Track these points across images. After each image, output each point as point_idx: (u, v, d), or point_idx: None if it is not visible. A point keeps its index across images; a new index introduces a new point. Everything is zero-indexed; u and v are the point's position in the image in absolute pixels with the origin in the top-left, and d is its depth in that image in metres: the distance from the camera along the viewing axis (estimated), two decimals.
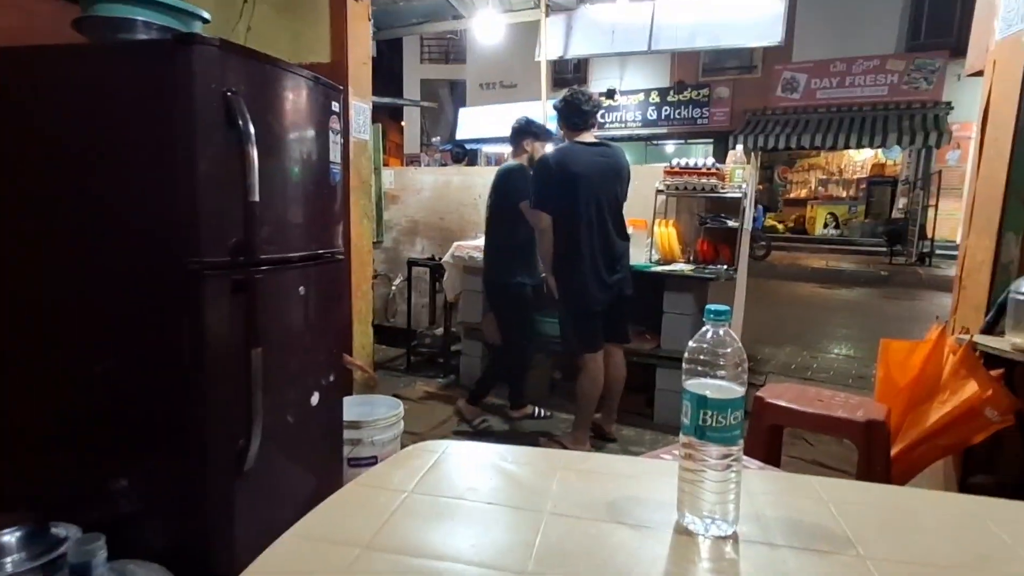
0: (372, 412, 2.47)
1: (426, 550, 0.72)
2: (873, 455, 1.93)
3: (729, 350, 0.79)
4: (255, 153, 1.33)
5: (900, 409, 2.17)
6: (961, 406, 1.95)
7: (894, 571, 0.70)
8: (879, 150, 14.33)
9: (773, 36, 4.32)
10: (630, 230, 3.06)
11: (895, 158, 14.89)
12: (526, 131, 3.22)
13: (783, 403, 2.04)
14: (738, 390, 0.78)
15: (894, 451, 2.09)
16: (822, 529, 0.81)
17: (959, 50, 11.57)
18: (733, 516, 0.79)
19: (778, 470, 1.55)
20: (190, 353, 1.34)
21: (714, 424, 0.77)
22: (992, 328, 2.05)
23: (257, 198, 1.35)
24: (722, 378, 0.79)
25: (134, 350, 1.38)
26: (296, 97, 1.55)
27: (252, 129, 1.33)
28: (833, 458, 3.02)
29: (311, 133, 1.62)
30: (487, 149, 16.41)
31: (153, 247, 1.35)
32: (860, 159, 16.24)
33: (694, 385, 0.79)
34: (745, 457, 1.58)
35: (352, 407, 2.49)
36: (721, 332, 0.79)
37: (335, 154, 1.73)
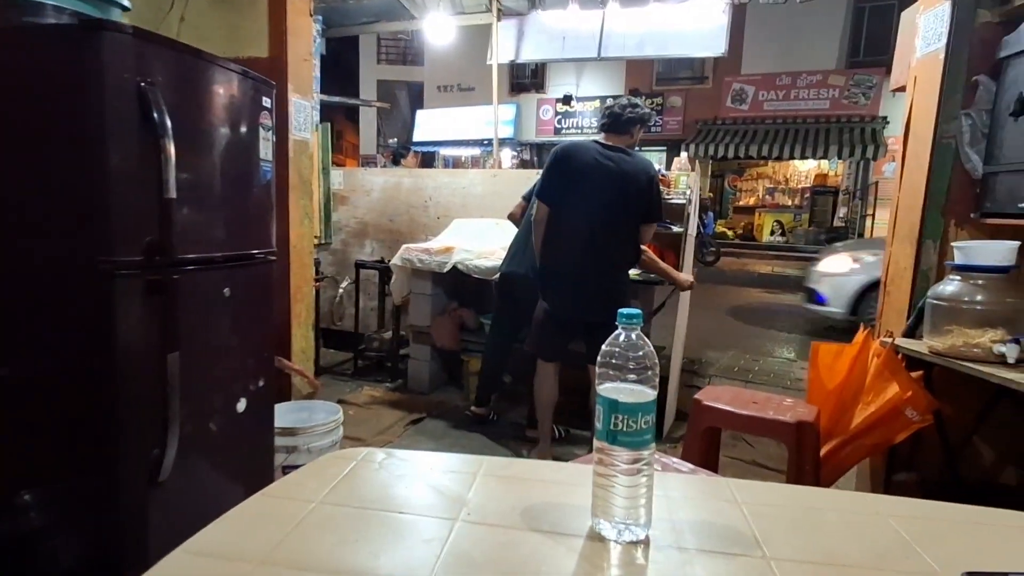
0: (310, 418, 2.40)
1: (325, 564, 0.69)
2: (803, 455, 1.99)
3: (641, 353, 0.79)
4: (172, 148, 1.27)
5: (829, 410, 2.25)
6: (884, 407, 2.03)
7: (796, 571, 0.71)
8: (822, 161, 14.96)
9: (717, 47, 4.45)
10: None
11: (836, 169, 15.58)
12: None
13: (719, 406, 2.08)
14: (649, 394, 0.78)
15: (823, 451, 2.16)
16: (732, 531, 0.81)
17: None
18: (645, 520, 0.78)
19: (710, 473, 1.58)
20: (100, 357, 1.26)
21: (625, 428, 0.77)
22: (913, 331, 2.15)
23: (174, 195, 1.28)
24: (634, 382, 0.78)
25: (40, 353, 1.30)
26: (222, 91, 1.48)
27: (168, 123, 1.26)
28: (772, 459, 3.11)
29: (238, 129, 1.56)
30: (444, 152, 16.35)
31: (61, 245, 1.27)
32: (804, 169, 16.91)
33: (606, 390, 0.79)
34: (677, 460, 1.61)
35: (289, 413, 2.41)
36: (633, 336, 0.79)
37: (266, 151, 1.67)
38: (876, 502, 0.96)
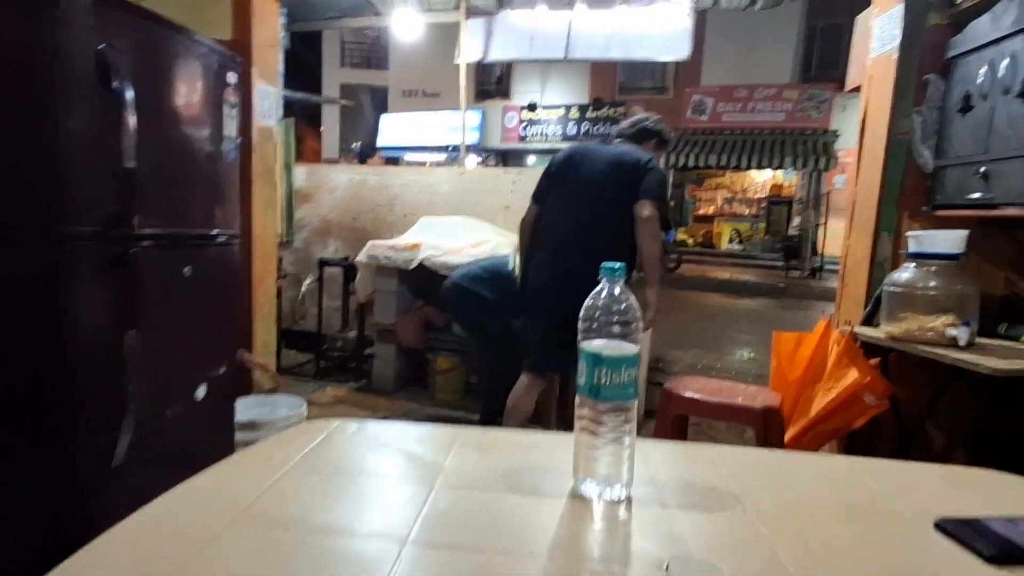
0: (272, 413, 2.32)
1: (300, 523, 0.66)
2: (769, 439, 2.03)
3: (623, 306, 0.78)
4: (132, 115, 1.21)
5: (791, 397, 2.30)
6: (843, 392, 2.09)
7: (775, 522, 0.72)
8: (777, 171, 15.47)
9: (681, 51, 4.56)
10: None
11: (791, 180, 16.13)
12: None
13: (689, 393, 2.10)
14: (632, 347, 0.78)
15: (787, 436, 2.21)
16: (713, 490, 0.81)
17: (844, 83, 12.78)
18: (627, 479, 0.78)
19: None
20: (53, 333, 1.19)
21: (608, 383, 0.76)
22: (871, 320, 2.23)
23: (134, 164, 1.22)
24: (617, 336, 0.78)
25: None
26: (187, 61, 1.43)
27: (129, 89, 1.21)
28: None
29: (203, 102, 1.50)
30: (409, 157, 16.22)
31: (13, 213, 1.19)
32: (761, 180, 17.45)
33: (589, 344, 0.78)
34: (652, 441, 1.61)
35: (251, 408, 2.33)
36: (616, 289, 0.79)
37: (231, 128, 1.62)
38: (849, 462, 0.98)
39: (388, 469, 0.85)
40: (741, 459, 0.95)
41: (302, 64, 16.21)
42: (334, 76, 17.42)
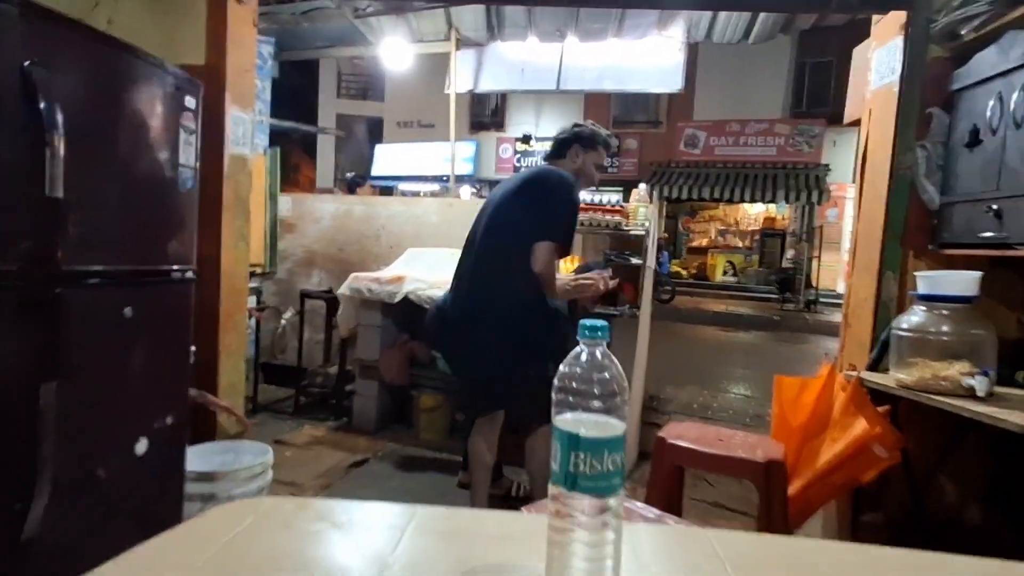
0: (235, 461, 2.14)
1: None
2: (772, 495, 1.87)
3: (607, 375, 0.64)
4: (60, 139, 1.08)
5: (794, 446, 2.15)
6: (852, 444, 1.94)
7: None
8: (770, 204, 15.53)
9: (674, 84, 4.53)
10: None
11: (783, 212, 16.20)
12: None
13: (685, 444, 1.95)
14: (617, 426, 0.63)
15: (791, 490, 2.05)
16: None
17: (834, 118, 13.01)
18: None
19: (677, 520, 1.44)
20: None
21: (588, 471, 0.61)
22: (877, 364, 2.09)
23: (61, 195, 1.09)
24: (599, 411, 0.64)
25: None
26: (135, 83, 1.31)
27: (59, 111, 1.08)
28: (733, 499, 2.99)
29: (155, 127, 1.38)
30: (403, 186, 16.23)
31: None
32: (754, 212, 17.53)
33: (565, 422, 0.64)
34: (642, 505, 1.45)
35: (211, 456, 2.15)
36: (598, 353, 0.65)
37: (187, 157, 1.49)
38: (873, 555, 0.83)
39: (321, 564, 0.69)
40: (746, 548, 0.79)
41: (299, 93, 16.33)
42: (330, 106, 17.54)
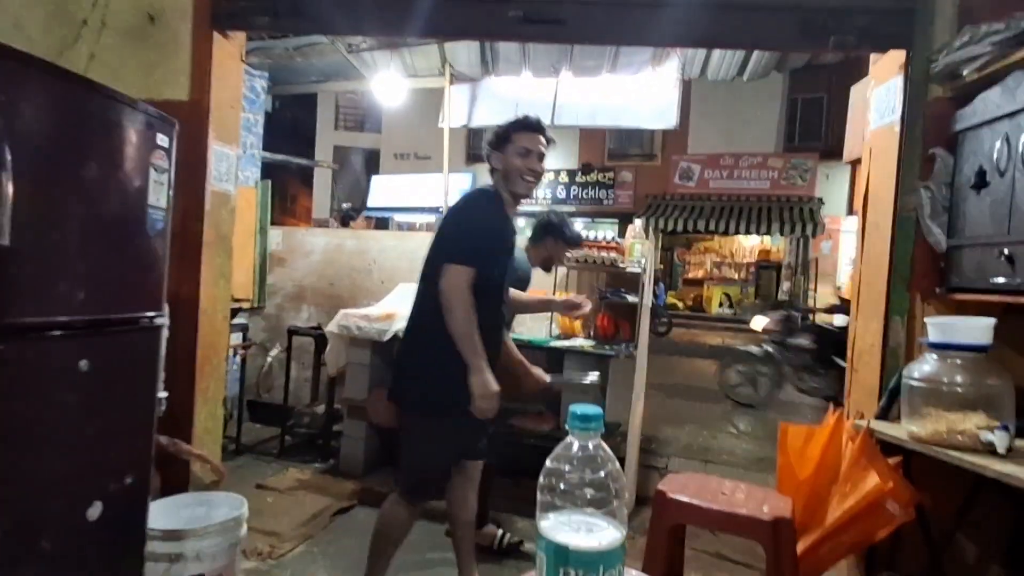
0: (208, 515, 2.01)
1: None
2: (781, 555, 1.74)
3: (602, 473, 0.55)
4: (9, 181, 1.00)
5: (802, 500, 2.03)
6: (863, 500, 1.83)
7: None
8: (765, 237, 15.59)
9: (669, 120, 4.53)
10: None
11: (778, 245, 16.24)
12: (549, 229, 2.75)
13: (686, 499, 1.83)
14: (615, 534, 0.53)
15: (800, 548, 1.92)
16: None
17: (827, 153, 13.15)
18: None
19: None
20: None
21: None
22: (887, 413, 1.99)
23: (6, 241, 1.00)
24: (593, 515, 0.54)
25: None
26: (98, 122, 1.23)
27: (7, 153, 1.00)
28: (737, 550, 2.84)
29: (121, 166, 1.30)
30: (399, 217, 16.25)
31: None
32: (749, 245, 17.57)
33: (552, 528, 0.54)
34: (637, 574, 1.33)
35: (181, 509, 2.02)
36: (591, 446, 0.55)
37: (157, 197, 1.41)
38: None
39: None
40: None
41: (297, 125, 16.46)
42: (328, 138, 17.67)
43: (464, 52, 4.32)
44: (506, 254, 2.07)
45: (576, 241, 2.85)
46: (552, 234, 2.75)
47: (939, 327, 1.73)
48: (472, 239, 1.94)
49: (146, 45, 2.13)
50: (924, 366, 1.77)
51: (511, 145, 2.06)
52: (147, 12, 2.17)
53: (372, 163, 17.50)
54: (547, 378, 2.52)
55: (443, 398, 1.92)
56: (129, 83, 2.08)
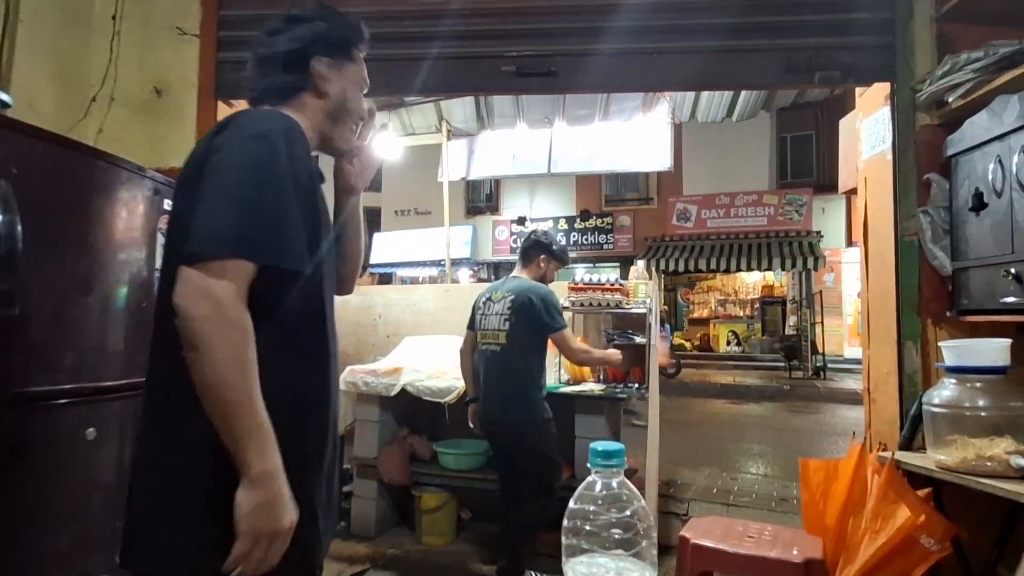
0: None
1: None
2: None
3: (628, 512, 0.53)
4: (18, 252, 1.01)
5: (832, 539, 1.95)
6: (895, 535, 1.75)
7: None
8: (767, 272, 15.61)
9: (663, 162, 4.62)
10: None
11: (781, 280, 16.24)
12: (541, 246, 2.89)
13: (712, 544, 1.77)
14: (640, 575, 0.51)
15: None
16: None
17: (820, 187, 13.34)
18: None
19: None
20: None
21: None
22: (910, 442, 1.94)
23: (16, 310, 1.00)
24: (621, 557, 0.52)
25: None
26: (106, 188, 1.26)
27: (19, 225, 1.01)
28: None
29: (126, 233, 1.32)
30: (401, 272, 16.39)
31: None
32: (751, 281, 17.57)
33: (576, 569, 0.52)
34: None
35: None
36: (615, 484, 0.54)
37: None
38: None
39: None
40: None
41: None
42: (329, 197, 18.01)
43: (460, 108, 4.46)
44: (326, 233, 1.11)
45: (566, 256, 2.99)
46: (543, 251, 2.85)
47: (955, 351, 1.71)
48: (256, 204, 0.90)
49: (153, 116, 2.21)
50: (944, 391, 1.73)
51: (352, 66, 1.16)
52: (154, 87, 2.26)
53: (373, 221, 17.78)
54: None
55: (185, 548, 0.88)
56: (137, 154, 2.13)
